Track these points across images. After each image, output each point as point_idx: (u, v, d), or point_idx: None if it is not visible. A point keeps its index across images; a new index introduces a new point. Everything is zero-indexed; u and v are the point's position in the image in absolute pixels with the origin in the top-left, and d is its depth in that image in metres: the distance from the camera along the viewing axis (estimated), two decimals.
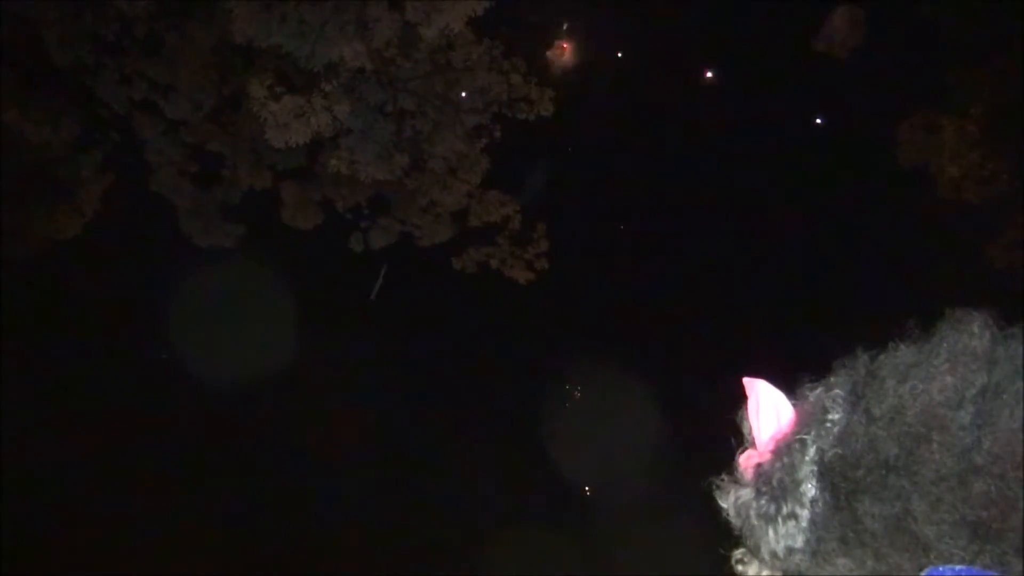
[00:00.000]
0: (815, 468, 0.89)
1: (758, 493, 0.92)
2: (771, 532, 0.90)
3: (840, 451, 0.87)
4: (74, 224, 10.93)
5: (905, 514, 0.82)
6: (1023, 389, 0.84)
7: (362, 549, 12.36)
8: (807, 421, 0.92)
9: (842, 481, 0.86)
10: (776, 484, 0.90)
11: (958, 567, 0.80)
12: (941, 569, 0.80)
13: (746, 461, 0.97)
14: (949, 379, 0.86)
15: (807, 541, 0.88)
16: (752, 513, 0.91)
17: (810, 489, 0.88)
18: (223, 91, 10.64)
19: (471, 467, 12.94)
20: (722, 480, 0.97)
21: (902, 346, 0.92)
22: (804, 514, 0.88)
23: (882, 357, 0.92)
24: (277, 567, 12.47)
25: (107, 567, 11.33)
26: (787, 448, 0.91)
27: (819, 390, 0.93)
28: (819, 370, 0.94)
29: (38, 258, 10.83)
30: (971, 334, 0.89)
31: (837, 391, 0.91)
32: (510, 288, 11.35)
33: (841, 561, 0.85)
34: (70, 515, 11.60)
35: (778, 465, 0.91)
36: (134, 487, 11.85)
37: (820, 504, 0.88)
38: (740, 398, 1.00)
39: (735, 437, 1.00)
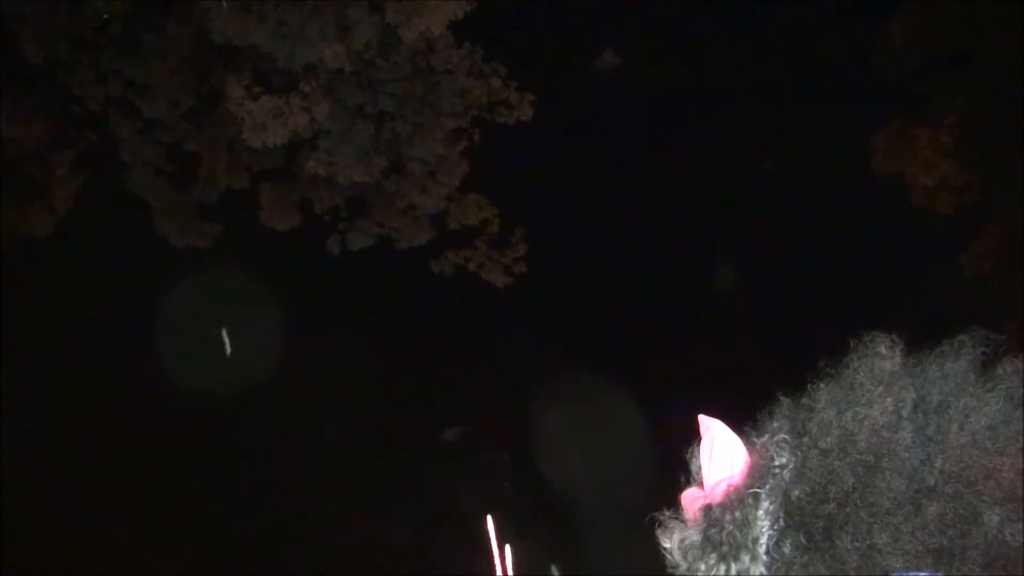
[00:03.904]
0: (770, 520, 0.86)
1: (706, 544, 0.89)
2: None
3: (806, 487, 0.85)
4: (47, 223, 10.81)
5: (871, 547, 0.82)
6: (970, 404, 0.85)
7: (340, 556, 12.29)
8: (758, 472, 0.89)
9: (814, 519, 0.84)
10: (727, 539, 0.87)
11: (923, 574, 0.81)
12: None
13: (690, 501, 0.93)
14: (889, 400, 0.87)
15: None
16: (702, 567, 0.88)
17: (764, 544, 0.86)
18: (200, 90, 10.57)
19: (443, 469, 12.93)
20: (666, 517, 0.93)
21: (821, 385, 0.90)
22: (758, 570, 0.86)
23: (814, 392, 0.91)
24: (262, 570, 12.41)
25: (101, 568, 11.28)
26: (740, 501, 0.88)
27: (765, 437, 0.91)
28: (794, 383, 0.92)
29: (8, 256, 10.69)
30: (882, 356, 0.90)
31: (781, 436, 0.89)
32: (487, 291, 11.35)
33: None
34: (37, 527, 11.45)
35: (729, 518, 0.87)
36: (102, 494, 11.70)
37: (789, 547, 0.85)
38: (694, 432, 0.96)
39: (681, 474, 0.96)
